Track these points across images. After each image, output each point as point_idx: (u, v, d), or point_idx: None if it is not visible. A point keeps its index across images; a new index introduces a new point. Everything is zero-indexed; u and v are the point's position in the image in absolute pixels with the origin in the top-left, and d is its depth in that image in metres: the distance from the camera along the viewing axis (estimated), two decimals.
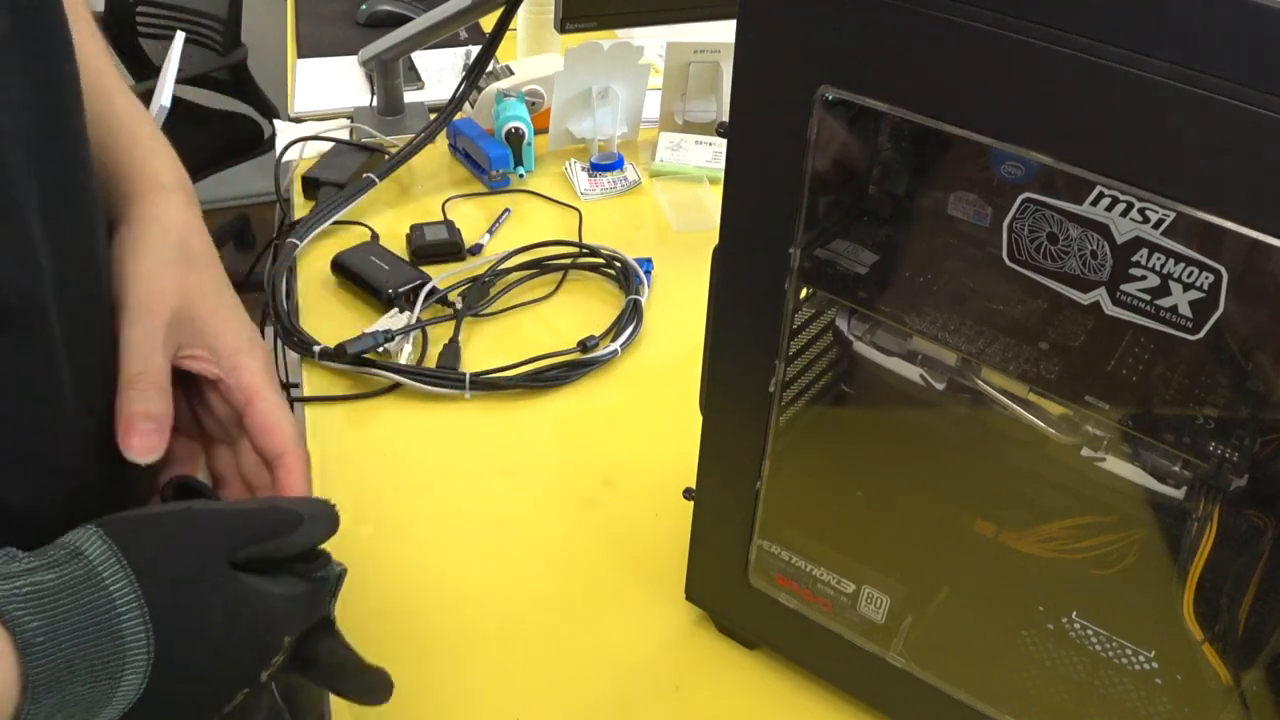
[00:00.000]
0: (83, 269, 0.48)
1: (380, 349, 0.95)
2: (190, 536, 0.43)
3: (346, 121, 1.37)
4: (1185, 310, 0.48)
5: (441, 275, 1.08)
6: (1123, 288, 0.49)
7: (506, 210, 1.21)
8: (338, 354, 0.95)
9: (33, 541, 0.41)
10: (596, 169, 1.27)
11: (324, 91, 1.46)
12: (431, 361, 0.99)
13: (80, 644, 0.38)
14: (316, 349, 0.96)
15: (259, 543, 0.45)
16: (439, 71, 1.51)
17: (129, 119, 0.55)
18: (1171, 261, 0.47)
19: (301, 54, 1.56)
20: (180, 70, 1.24)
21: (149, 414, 0.48)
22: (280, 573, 0.47)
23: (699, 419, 0.67)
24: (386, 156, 1.23)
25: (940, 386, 0.63)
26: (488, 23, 1.23)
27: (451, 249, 1.12)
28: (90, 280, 0.49)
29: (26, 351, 0.44)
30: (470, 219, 1.19)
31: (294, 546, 0.47)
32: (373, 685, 0.55)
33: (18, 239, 0.42)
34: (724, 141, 0.56)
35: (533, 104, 1.31)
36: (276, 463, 0.52)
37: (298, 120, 1.40)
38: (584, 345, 0.99)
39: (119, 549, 0.40)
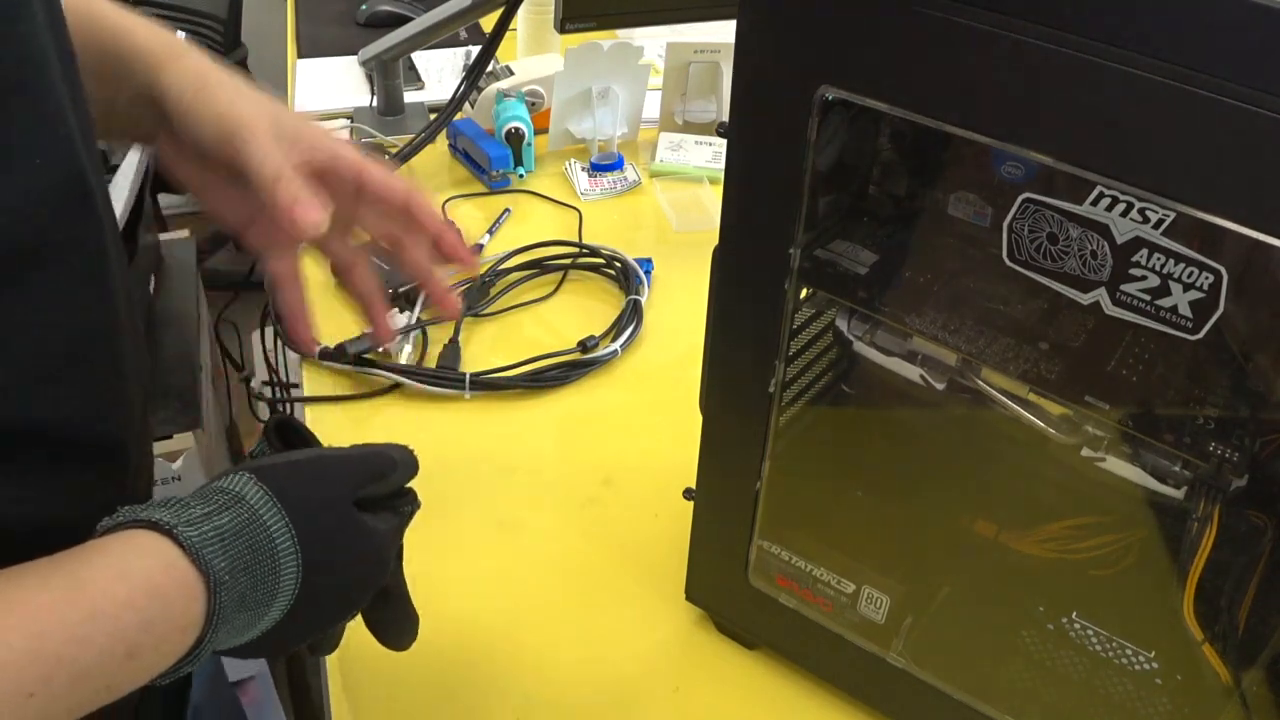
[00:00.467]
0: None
1: (380, 349, 0.95)
2: (325, 481, 0.49)
3: (346, 122, 1.37)
4: (1185, 310, 0.48)
5: (441, 275, 1.07)
6: (1123, 288, 0.49)
7: (506, 210, 1.21)
8: (338, 354, 0.95)
9: (78, 465, 0.45)
10: (596, 169, 1.27)
11: (324, 91, 1.46)
12: (431, 361, 0.99)
13: (252, 578, 0.44)
14: (317, 349, 0.96)
15: (373, 483, 0.52)
16: (439, 71, 1.51)
17: (111, 11, 0.59)
18: (1171, 261, 0.47)
19: (301, 54, 1.56)
20: None
21: (306, 195, 0.53)
22: (379, 509, 0.53)
23: (699, 419, 0.67)
24: (386, 157, 1.23)
25: (940, 386, 0.63)
26: (488, 23, 1.23)
27: None
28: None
29: (77, 264, 0.47)
30: (470, 219, 1.19)
31: (393, 485, 0.53)
32: (409, 629, 0.60)
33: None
34: (724, 141, 0.56)
35: (533, 104, 1.31)
36: (408, 204, 0.59)
37: None
38: (584, 345, 0.99)
39: (273, 493, 0.46)
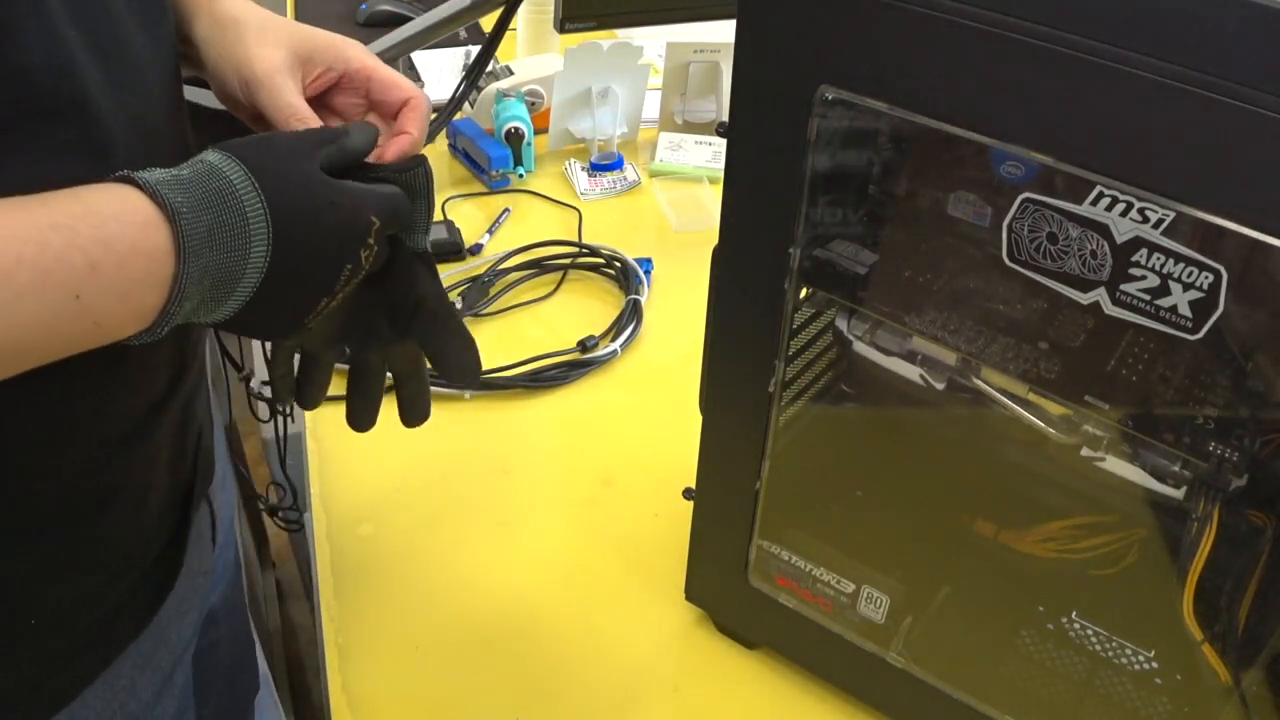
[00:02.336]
0: (131, 74, 0.52)
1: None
2: (280, 143, 0.52)
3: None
4: (1185, 310, 0.48)
5: (441, 275, 1.07)
6: (1122, 287, 0.49)
7: (506, 210, 1.21)
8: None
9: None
10: (596, 169, 1.27)
11: None
12: None
13: (215, 214, 0.46)
14: None
15: (328, 145, 0.53)
16: (439, 71, 1.51)
17: None
18: (1171, 261, 0.47)
19: None
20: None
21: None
22: (373, 179, 0.55)
23: (699, 419, 0.67)
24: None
25: (940, 386, 0.63)
26: (488, 23, 1.23)
27: (451, 249, 1.12)
28: (140, 85, 0.53)
29: (81, 149, 0.48)
30: (470, 219, 1.19)
31: (353, 146, 0.55)
32: (469, 363, 0.62)
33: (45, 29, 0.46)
34: (724, 141, 0.56)
35: (532, 104, 1.31)
36: (404, 106, 0.62)
37: None
38: (584, 345, 0.99)
39: (231, 153, 0.49)
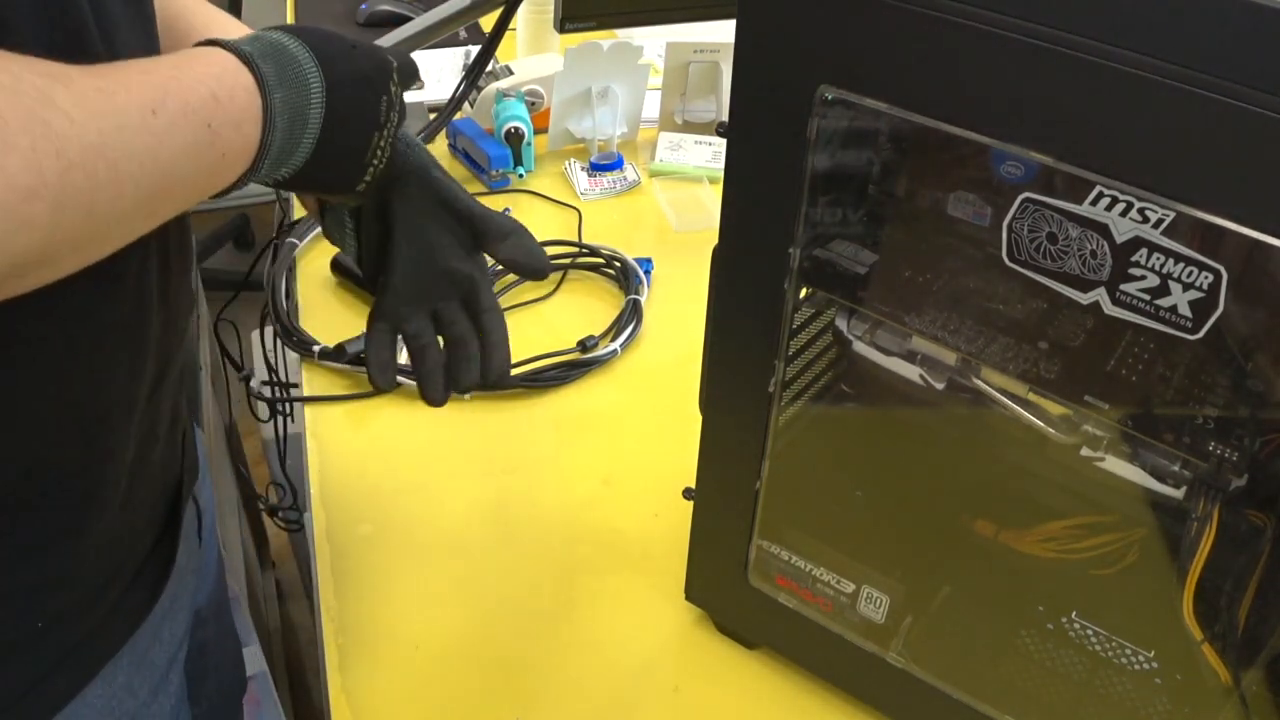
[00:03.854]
0: None
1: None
2: (319, 28, 0.58)
3: None
4: (1185, 310, 0.48)
5: None
6: (1122, 287, 0.49)
7: (506, 210, 1.20)
8: (337, 354, 0.95)
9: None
10: (596, 169, 1.27)
11: None
12: None
13: (276, 61, 0.52)
14: (316, 349, 0.96)
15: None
16: (439, 71, 1.51)
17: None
18: (1171, 261, 0.47)
19: None
20: None
21: None
22: None
23: (699, 419, 0.67)
24: None
25: (940, 386, 0.63)
26: (488, 23, 1.23)
27: None
28: None
29: None
30: None
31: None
32: (522, 238, 0.68)
33: None
34: (724, 141, 0.56)
35: (532, 104, 1.31)
36: None
37: None
38: (583, 345, 0.99)
39: (282, 30, 0.55)
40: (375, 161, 0.59)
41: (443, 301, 0.67)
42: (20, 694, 0.54)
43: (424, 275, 0.66)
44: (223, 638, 0.78)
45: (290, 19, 1.70)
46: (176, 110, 0.45)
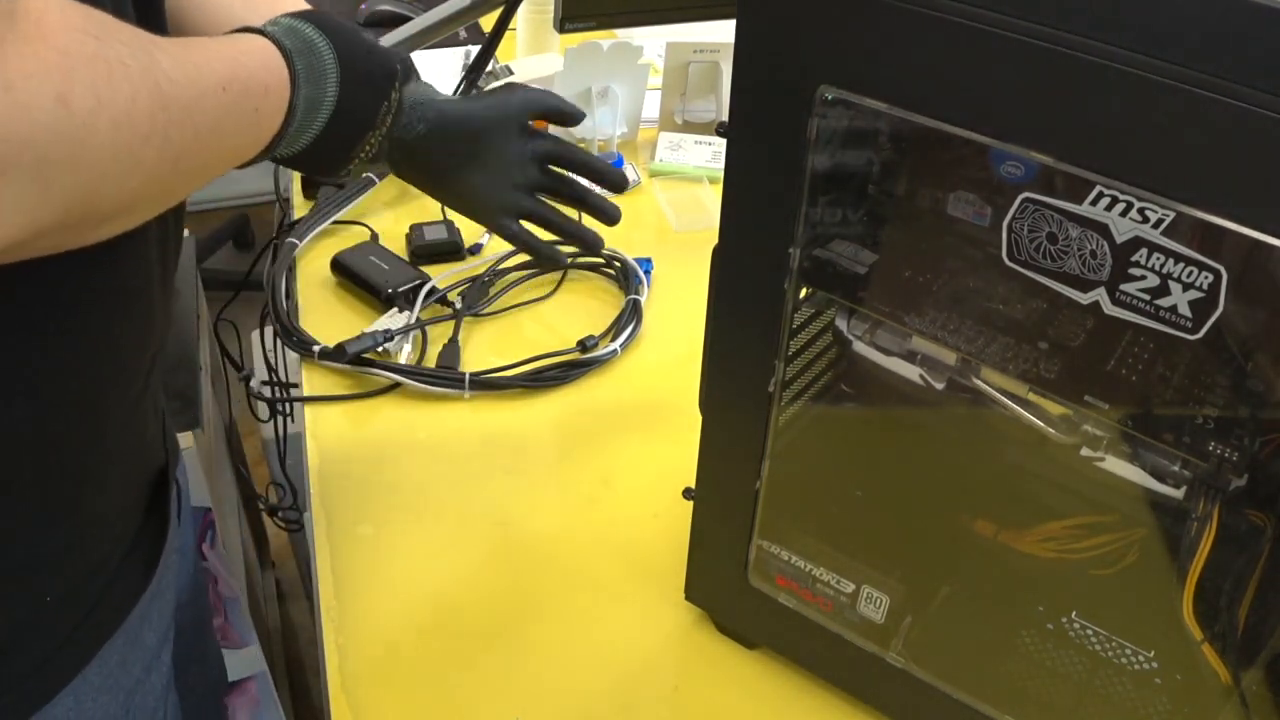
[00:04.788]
0: None
1: (380, 349, 0.95)
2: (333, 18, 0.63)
3: None
4: (1185, 310, 0.48)
5: (441, 275, 1.07)
6: (1122, 287, 0.49)
7: None
8: (337, 354, 0.95)
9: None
10: None
11: None
12: (431, 361, 0.99)
13: (306, 58, 0.58)
14: (316, 349, 0.96)
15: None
16: (439, 71, 1.51)
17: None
18: (1171, 261, 0.47)
19: None
20: None
21: None
22: None
23: (699, 419, 0.67)
24: None
25: (940, 386, 0.63)
26: (488, 23, 1.22)
27: (451, 249, 1.12)
28: None
29: None
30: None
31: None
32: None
33: None
34: (724, 141, 0.56)
35: None
36: None
37: None
38: (583, 345, 0.99)
39: (296, 17, 0.61)
40: (363, 154, 0.64)
41: (529, 179, 0.75)
42: (25, 676, 0.55)
43: (500, 187, 0.74)
44: (199, 624, 0.81)
45: None
46: (239, 91, 0.51)
